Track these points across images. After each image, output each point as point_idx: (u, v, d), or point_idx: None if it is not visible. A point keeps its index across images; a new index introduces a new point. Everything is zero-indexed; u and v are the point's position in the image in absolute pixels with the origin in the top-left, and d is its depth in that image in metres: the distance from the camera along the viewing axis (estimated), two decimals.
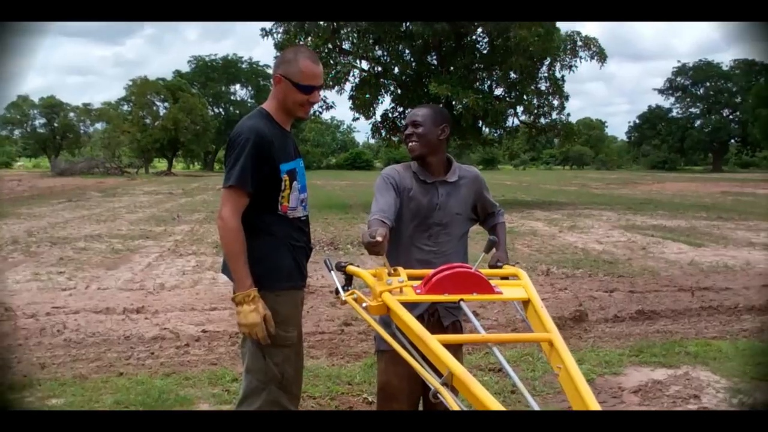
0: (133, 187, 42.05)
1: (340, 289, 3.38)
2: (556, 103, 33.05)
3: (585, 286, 10.94)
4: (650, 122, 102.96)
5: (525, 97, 32.18)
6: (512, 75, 31.38)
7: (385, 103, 37.16)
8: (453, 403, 2.50)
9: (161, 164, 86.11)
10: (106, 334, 7.95)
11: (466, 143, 35.18)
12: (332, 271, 3.52)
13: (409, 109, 33.33)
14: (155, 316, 8.81)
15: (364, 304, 3.11)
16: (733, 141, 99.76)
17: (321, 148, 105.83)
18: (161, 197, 33.46)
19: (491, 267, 3.73)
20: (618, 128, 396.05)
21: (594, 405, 2.46)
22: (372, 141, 56.01)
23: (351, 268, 3.45)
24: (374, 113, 33.45)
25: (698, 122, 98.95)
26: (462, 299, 3.11)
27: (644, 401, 5.89)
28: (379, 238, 3.14)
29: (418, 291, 3.14)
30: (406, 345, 2.91)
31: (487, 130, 33.28)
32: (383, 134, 34.60)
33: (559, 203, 30.79)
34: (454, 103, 29.30)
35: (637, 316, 8.93)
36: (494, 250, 3.72)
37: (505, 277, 3.56)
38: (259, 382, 3.64)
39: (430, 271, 3.19)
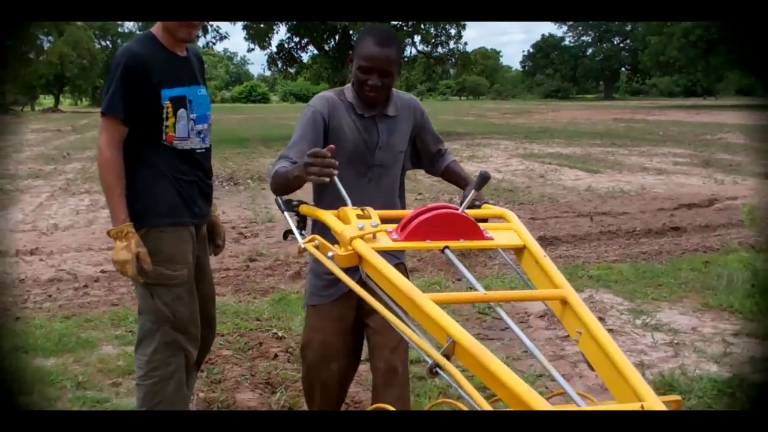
0: (18, 125, 40.25)
1: (297, 234, 2.87)
2: (453, 32, 33.10)
3: None
4: (544, 51, 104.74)
5: (422, 25, 32.05)
6: None
7: (281, 33, 36.58)
8: (462, 380, 1.93)
9: (47, 101, 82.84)
10: None
11: None
12: (285, 212, 2.99)
13: (307, 40, 33.01)
14: (50, 258, 8.46)
15: (330, 254, 2.50)
16: (623, 69, 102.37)
17: (214, 81, 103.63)
18: (49, 135, 32.11)
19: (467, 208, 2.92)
20: (512, 58, 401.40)
21: (635, 376, 1.96)
22: (267, 73, 55.15)
23: (305, 208, 2.94)
24: (270, 43, 32.87)
25: (590, 50, 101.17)
26: (447, 247, 2.49)
27: (550, 325, 5.98)
28: (328, 153, 2.67)
29: (395, 237, 2.52)
30: (393, 307, 2.28)
31: None
32: (279, 65, 34.07)
33: (458, 133, 30.94)
34: (351, 32, 28.97)
35: (539, 241, 8.99)
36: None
37: (484, 220, 2.85)
38: (152, 323, 3.46)
39: (407, 213, 2.60)
